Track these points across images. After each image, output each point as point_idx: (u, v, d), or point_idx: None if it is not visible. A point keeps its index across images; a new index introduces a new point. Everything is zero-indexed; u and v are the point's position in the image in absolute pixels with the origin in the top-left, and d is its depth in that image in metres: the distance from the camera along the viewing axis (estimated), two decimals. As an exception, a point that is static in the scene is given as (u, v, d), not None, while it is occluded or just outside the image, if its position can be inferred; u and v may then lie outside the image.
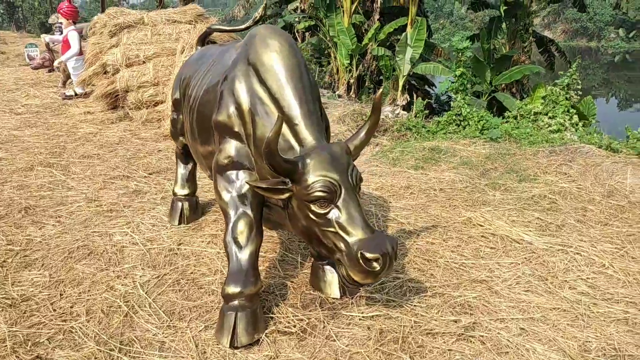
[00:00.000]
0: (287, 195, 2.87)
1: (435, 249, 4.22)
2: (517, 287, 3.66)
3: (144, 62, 9.35)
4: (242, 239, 3.10)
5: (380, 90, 3.08)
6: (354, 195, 2.85)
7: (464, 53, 9.93)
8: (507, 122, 9.29)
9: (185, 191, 4.66)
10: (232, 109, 3.19)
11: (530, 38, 18.15)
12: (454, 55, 10.75)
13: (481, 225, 4.65)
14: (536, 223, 4.72)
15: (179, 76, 4.28)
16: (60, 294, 3.56)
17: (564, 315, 3.31)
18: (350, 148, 3.02)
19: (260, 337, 2.96)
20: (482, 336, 3.06)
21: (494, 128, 8.33)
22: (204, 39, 4.89)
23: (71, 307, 3.41)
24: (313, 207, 2.80)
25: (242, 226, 3.11)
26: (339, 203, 2.79)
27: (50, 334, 3.12)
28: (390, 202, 5.24)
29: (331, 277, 3.45)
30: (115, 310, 3.33)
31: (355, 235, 2.75)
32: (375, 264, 2.67)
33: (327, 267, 3.46)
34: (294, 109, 3.00)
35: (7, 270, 3.90)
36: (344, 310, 3.28)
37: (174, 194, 4.71)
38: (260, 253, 4.04)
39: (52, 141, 7.88)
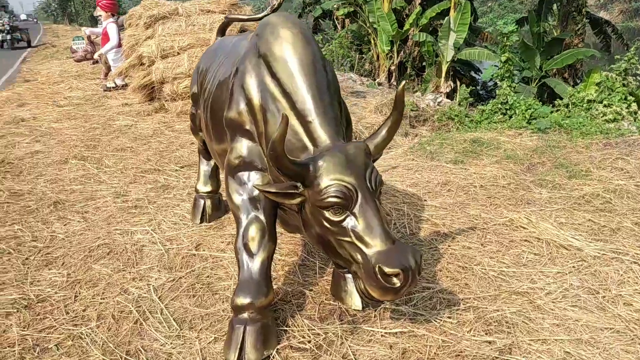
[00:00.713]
0: (298, 200, 2.61)
1: (471, 254, 3.86)
2: (563, 301, 3.27)
3: (178, 53, 9.27)
4: (253, 245, 2.86)
5: (403, 83, 2.75)
6: (373, 201, 2.55)
7: (510, 37, 9.31)
8: (557, 111, 8.67)
9: (208, 188, 4.48)
10: (242, 106, 2.94)
11: (584, 20, 17.05)
12: (500, 39, 10.12)
13: (524, 228, 4.24)
14: (587, 226, 4.26)
15: (197, 69, 4.08)
16: (75, 296, 3.46)
17: (617, 337, 2.91)
18: (369, 148, 2.71)
19: (271, 354, 2.73)
20: None
21: (543, 118, 7.76)
22: (224, 29, 4.66)
23: (84, 310, 3.29)
24: (327, 214, 2.53)
25: (253, 232, 2.88)
26: (355, 210, 2.51)
27: (60, 340, 3.00)
28: (425, 201, 4.90)
29: (353, 287, 3.17)
30: (126, 316, 3.19)
31: (373, 246, 2.46)
32: (395, 280, 2.38)
33: (349, 276, 3.19)
34: (308, 105, 2.72)
35: (28, 268, 3.84)
36: (365, 325, 3.01)
37: (197, 191, 4.54)
38: (280, 256, 3.83)
39: (89, 134, 7.93)
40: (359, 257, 2.49)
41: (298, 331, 2.93)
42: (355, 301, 3.16)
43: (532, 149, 6.32)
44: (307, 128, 2.72)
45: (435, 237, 4.13)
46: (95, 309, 3.28)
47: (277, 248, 3.95)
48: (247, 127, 2.96)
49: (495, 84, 14.75)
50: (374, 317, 3.07)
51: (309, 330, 2.94)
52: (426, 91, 14.50)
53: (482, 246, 3.99)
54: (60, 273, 3.76)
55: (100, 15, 12.07)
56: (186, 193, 5.24)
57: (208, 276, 3.58)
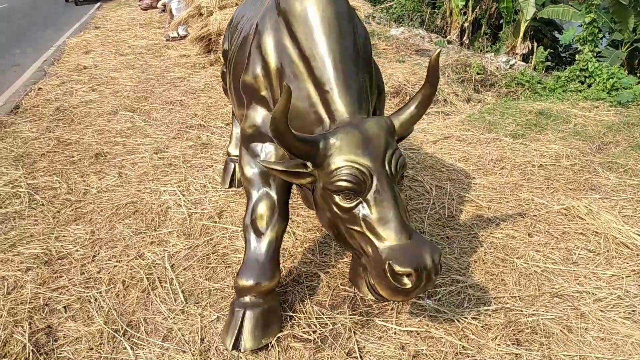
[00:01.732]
0: (308, 180, 2.33)
1: (515, 245, 3.45)
2: (614, 310, 2.83)
3: (236, 4, 9.01)
4: (261, 224, 2.64)
5: (438, 50, 2.34)
6: (391, 187, 2.23)
7: (596, -5, 8.21)
8: (644, 81, 7.67)
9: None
10: (258, 69, 2.66)
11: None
12: (585, -2, 9.01)
13: (582, 219, 3.74)
14: (659, 222, 3.70)
15: (229, 23, 3.80)
16: (94, 256, 3.43)
17: (673, 363, 2.48)
18: (394, 125, 2.36)
19: (270, 342, 2.54)
20: (550, 378, 2.37)
21: (625, 89, 6.88)
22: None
23: (98, 272, 3.25)
24: (337, 199, 2.24)
25: (262, 209, 2.65)
26: (369, 197, 2.20)
27: (69, 302, 2.98)
28: (474, 178, 4.46)
29: (371, 274, 2.90)
30: (136, 283, 3.11)
31: (386, 239, 2.16)
32: (406, 281, 2.09)
33: (369, 261, 2.91)
34: (327, 71, 2.39)
35: (57, 222, 3.87)
36: (379, 318, 2.75)
37: (228, 153, 4.37)
38: (302, 231, 3.60)
39: (142, 85, 7.95)
40: (369, 250, 2.21)
41: (305, 318, 2.72)
42: (372, 290, 2.89)
43: (606, 125, 5.61)
44: (324, 98, 2.40)
45: (476, 221, 3.74)
46: (109, 272, 3.23)
47: (301, 221, 3.75)
48: (263, 93, 2.68)
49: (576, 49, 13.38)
50: (391, 310, 2.80)
51: (316, 318, 2.72)
52: (499, 52, 13.43)
53: (529, 236, 3.56)
54: (85, 230, 3.75)
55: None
56: (223, 153, 5.09)
57: (225, 247, 3.43)
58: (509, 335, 2.61)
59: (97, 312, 2.87)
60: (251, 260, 2.61)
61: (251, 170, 2.72)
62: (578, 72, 7.81)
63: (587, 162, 4.70)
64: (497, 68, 9.63)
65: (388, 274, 2.09)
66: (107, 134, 5.84)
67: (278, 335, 2.58)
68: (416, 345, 2.53)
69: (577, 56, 8.32)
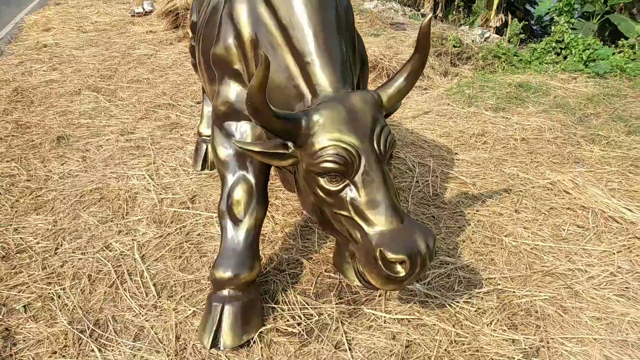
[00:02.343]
0: (289, 162, 2.12)
1: (502, 222, 3.33)
2: (608, 288, 2.74)
3: (204, -25, 8.57)
4: (238, 210, 2.43)
5: (429, 17, 2.15)
6: (380, 167, 2.04)
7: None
8: (620, 52, 7.64)
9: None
10: (230, 40, 2.41)
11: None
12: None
13: (568, 193, 3.65)
14: (645, 194, 3.63)
15: (196, -7, 3.51)
16: (56, 248, 3.17)
17: (672, 342, 2.40)
18: (381, 99, 2.16)
19: (252, 338, 2.36)
20: (549, 364, 2.25)
21: (602, 60, 6.83)
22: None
23: (61, 266, 3.00)
24: (322, 182, 2.05)
25: (239, 194, 2.44)
26: (357, 179, 2.01)
27: (30, 300, 2.73)
28: (456, 154, 4.32)
29: (357, 259, 2.73)
30: (103, 277, 2.87)
31: (376, 224, 1.98)
32: (398, 268, 1.92)
33: (354, 246, 2.74)
34: (307, 42, 2.17)
35: (16, 212, 3.57)
36: (367, 306, 2.59)
37: (199, 134, 4.11)
38: (281, 216, 3.40)
39: (106, 63, 7.52)
40: (358, 236, 2.03)
41: (288, 310, 2.54)
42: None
43: (586, 96, 5.53)
44: (304, 71, 2.18)
45: (461, 199, 3.60)
46: (73, 266, 2.98)
47: (280, 205, 3.55)
48: (236, 66, 2.44)
49: (552, 19, 13.36)
50: (379, 297, 2.64)
51: (301, 309, 2.54)
52: (473, 25, 13.30)
53: (516, 213, 3.45)
54: (46, 220, 3.47)
55: None
56: (194, 134, 4.82)
57: (199, 234, 3.21)
58: (504, 319, 2.49)
59: (60, 310, 2.63)
60: (228, 250, 2.41)
61: (225, 152, 2.49)
62: (554, 44, 7.73)
63: (570, 135, 4.61)
64: (473, 41, 9.47)
65: (379, 262, 1.92)
66: (70, 115, 5.48)
67: (260, 330, 2.40)
68: (408, 334, 2.38)
69: (552, 27, 8.23)
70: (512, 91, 5.73)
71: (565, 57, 7.43)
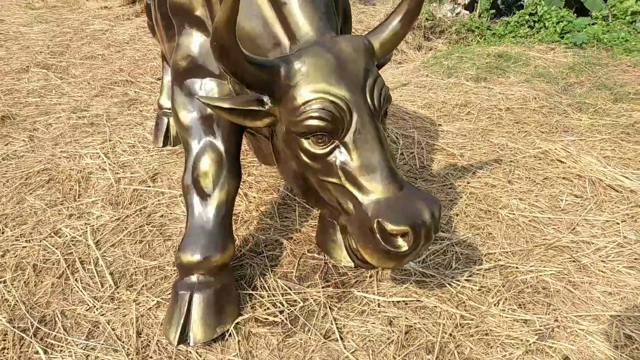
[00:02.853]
0: (266, 122, 1.78)
1: (496, 194, 3.08)
2: (617, 260, 2.52)
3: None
4: (206, 182, 2.07)
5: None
6: (374, 125, 1.72)
7: None
8: (593, 24, 7.52)
9: (173, 103, 3.62)
10: (191, -19, 2.03)
11: None
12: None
13: (561, 162, 3.42)
14: (640, 161, 3.44)
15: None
16: (-4, 237, 2.74)
17: (694, 315, 2.19)
18: (374, 46, 1.84)
19: (227, 330, 2.02)
20: (566, 348, 1.99)
21: (578, 31, 6.67)
22: None
23: (2, 256, 2.58)
24: (305, 144, 1.71)
25: (206, 164, 2.08)
26: (348, 138, 1.69)
27: (-37, 296, 2.31)
28: (440, 125, 4.04)
29: (344, 236, 2.42)
30: (51, 266, 2.47)
31: (372, 192, 1.66)
32: (400, 242, 1.61)
33: (341, 222, 2.43)
34: (284, -22, 1.82)
35: (-51, 197, 3.11)
36: (357, 289, 2.28)
37: (159, 106, 3.70)
38: (255, 193, 3.06)
39: (57, 39, 6.93)
40: (350, 206, 1.71)
41: (268, 296, 2.21)
42: (346, 255, 2.41)
43: (567, 66, 5.34)
44: (280, 13, 1.83)
45: (451, 171, 3.33)
46: (16, 255, 2.56)
47: (254, 181, 3.20)
48: (198, 12, 2.07)
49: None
50: (370, 278, 2.34)
51: (282, 295, 2.21)
52: (443, 1, 13.07)
53: (510, 184, 3.20)
54: (-16, 205, 3.03)
55: None
56: (154, 109, 4.40)
57: (162, 215, 2.83)
58: (512, 297, 2.23)
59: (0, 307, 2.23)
60: (196, 229, 2.05)
61: (189, 115, 2.12)
62: (527, 17, 7.54)
63: (555, 104, 4.40)
64: (444, 16, 9.23)
65: (377, 235, 1.61)
66: (17, 94, 4.95)
67: (236, 320, 2.06)
68: (407, 318, 2.09)
69: (524, 1, 8.04)
70: (491, 61, 5.50)
71: (539, 30, 7.26)
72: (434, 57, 5.98)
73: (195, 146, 2.10)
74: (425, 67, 5.58)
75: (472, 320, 2.08)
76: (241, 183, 2.94)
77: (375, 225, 1.61)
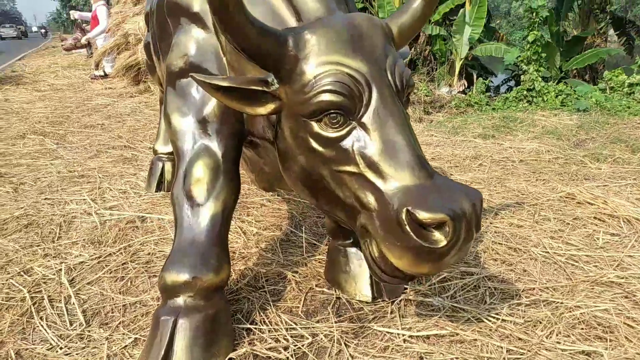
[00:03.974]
0: (270, 107, 1.53)
1: (524, 233, 2.76)
2: (677, 295, 2.15)
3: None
4: (199, 190, 1.78)
5: None
6: (396, 103, 1.48)
7: (539, 13, 8.15)
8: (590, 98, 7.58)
9: (169, 148, 3.41)
10: (191, -28, 1.89)
11: (607, 18, 16.00)
12: (526, 16, 9.00)
13: (591, 204, 3.13)
14: (675, 203, 3.15)
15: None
16: (-43, 279, 2.37)
17: None
18: (391, 29, 1.64)
19: (220, 366, 1.62)
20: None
21: (578, 98, 6.68)
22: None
23: (-40, 297, 2.21)
24: (317, 128, 1.46)
25: (200, 170, 1.80)
26: (366, 118, 1.44)
27: None
28: (452, 174, 3.80)
29: (358, 268, 2.07)
30: (14, 305, 2.09)
31: (398, 179, 1.38)
32: (437, 235, 1.30)
33: (353, 252, 2.09)
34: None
35: None
36: (377, 324, 1.90)
37: (155, 151, 3.48)
38: (256, 229, 2.73)
39: (58, 111, 6.91)
40: (371, 199, 1.41)
41: (269, 331, 1.82)
42: (361, 288, 2.05)
43: (575, 125, 5.23)
44: (287, -2, 1.66)
45: (471, 212, 3.03)
46: (-25, 295, 2.19)
47: (254, 220, 2.89)
48: (197, 8, 1.90)
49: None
50: (391, 313, 1.96)
51: (287, 330, 1.83)
52: (439, 86, 13.46)
53: (537, 224, 2.89)
54: (-49, 249, 2.68)
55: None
56: (149, 161, 4.18)
57: (149, 253, 2.49)
58: (565, 330, 1.84)
59: (-58, 350, 1.83)
60: (185, 244, 1.72)
61: (182, 119, 1.88)
62: (525, 92, 7.62)
63: (570, 156, 4.20)
64: (442, 94, 9.41)
65: (406, 227, 1.30)
66: (9, 157, 4.75)
67: (230, 355, 1.66)
68: (441, 354, 1.69)
69: (522, 76, 8.20)
70: (497, 122, 5.40)
71: (538, 104, 7.29)
72: (437, 122, 5.89)
73: (189, 151, 1.84)
74: (428, 129, 5.47)
75: (522, 354, 1.68)
76: (239, 221, 2.64)
77: (404, 216, 1.30)
